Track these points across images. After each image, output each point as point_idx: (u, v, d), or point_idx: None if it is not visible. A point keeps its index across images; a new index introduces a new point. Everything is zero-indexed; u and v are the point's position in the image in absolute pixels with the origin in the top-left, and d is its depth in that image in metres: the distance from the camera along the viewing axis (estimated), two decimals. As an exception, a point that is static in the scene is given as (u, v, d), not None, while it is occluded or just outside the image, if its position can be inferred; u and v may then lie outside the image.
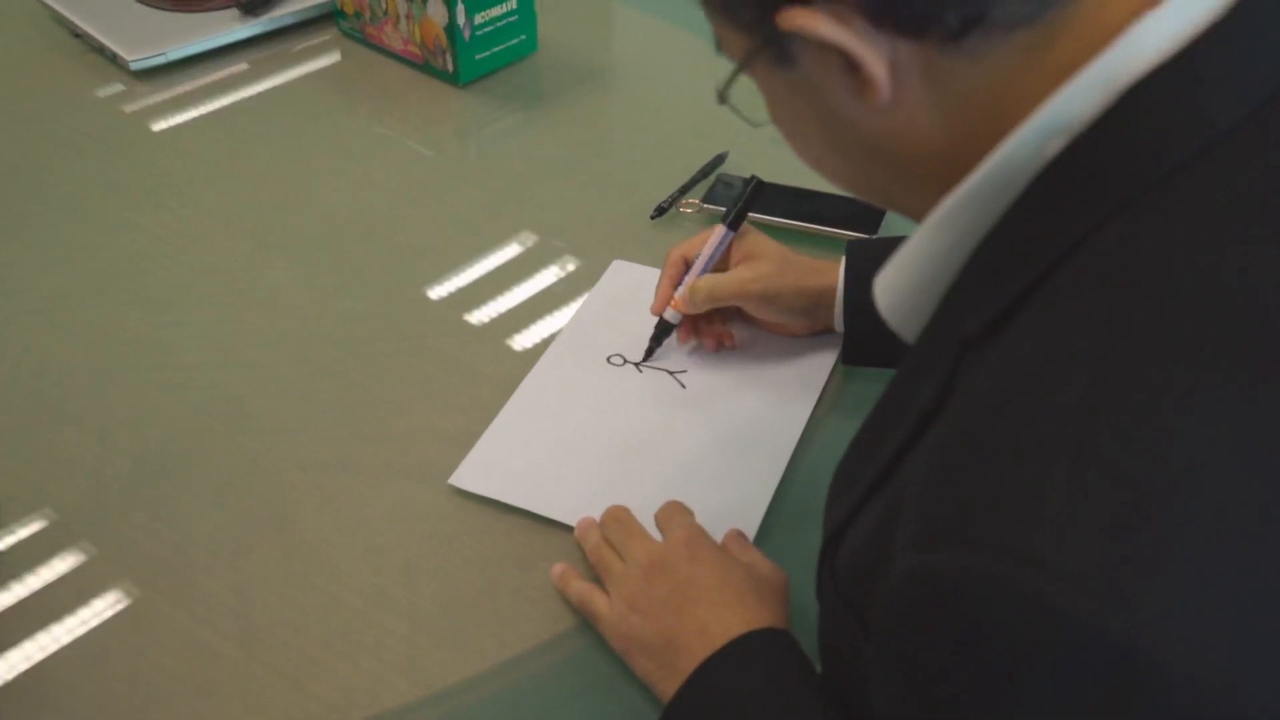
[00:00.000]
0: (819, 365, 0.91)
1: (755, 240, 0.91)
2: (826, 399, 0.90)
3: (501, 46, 1.28)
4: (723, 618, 0.67)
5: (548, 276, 1.02)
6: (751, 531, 0.78)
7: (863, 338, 0.88)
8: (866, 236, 1.03)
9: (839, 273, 0.88)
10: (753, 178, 0.92)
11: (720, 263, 0.92)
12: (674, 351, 0.93)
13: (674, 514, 0.75)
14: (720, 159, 1.14)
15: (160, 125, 1.23)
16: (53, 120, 1.23)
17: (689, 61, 1.33)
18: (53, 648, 0.72)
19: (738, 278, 0.89)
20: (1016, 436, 0.40)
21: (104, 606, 0.75)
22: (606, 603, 0.72)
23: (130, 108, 1.26)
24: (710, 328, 0.93)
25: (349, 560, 0.78)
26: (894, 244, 0.91)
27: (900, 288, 0.54)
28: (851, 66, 0.47)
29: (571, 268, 1.03)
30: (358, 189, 1.13)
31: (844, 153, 0.53)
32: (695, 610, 0.68)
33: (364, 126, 1.25)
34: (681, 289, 0.91)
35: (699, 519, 0.78)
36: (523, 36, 1.30)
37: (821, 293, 0.89)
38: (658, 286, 0.93)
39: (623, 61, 1.36)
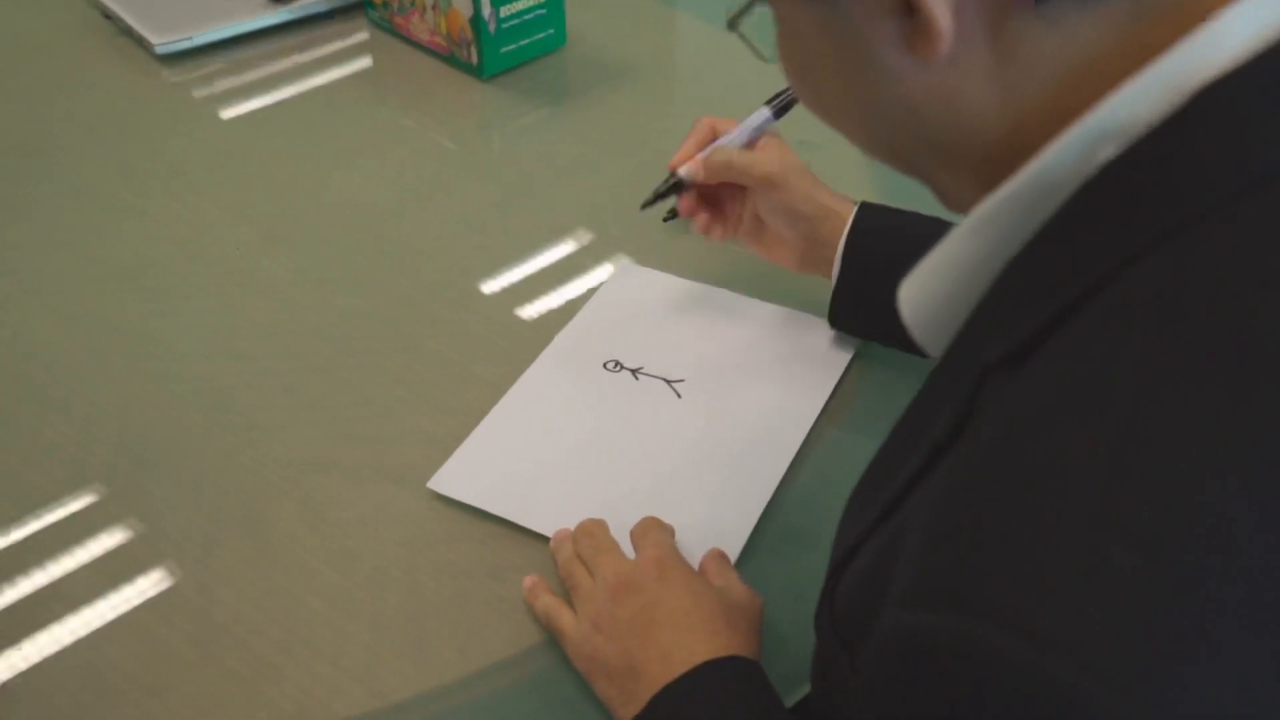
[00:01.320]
0: (823, 380, 0.87)
1: (780, 143, 0.89)
2: (830, 415, 0.86)
3: (528, 40, 1.26)
4: (687, 643, 0.64)
5: (553, 278, 0.99)
6: (734, 552, 0.75)
7: (850, 290, 0.85)
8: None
9: (850, 208, 0.85)
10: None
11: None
12: (673, 362, 0.90)
13: (649, 531, 0.72)
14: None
15: (179, 111, 1.22)
16: (73, 101, 1.23)
17: (720, 61, 1.30)
18: (7, 639, 0.71)
19: (755, 156, 0.86)
20: (1031, 487, 0.36)
21: (63, 597, 0.73)
22: (572, 620, 0.69)
23: (151, 92, 1.25)
24: (707, 213, 0.90)
25: (318, 562, 0.75)
26: (905, 217, 0.88)
27: (928, 296, 0.49)
28: (907, 9, 0.41)
29: (578, 270, 1.00)
30: (369, 182, 1.11)
31: (869, 110, 0.47)
32: (659, 634, 0.65)
33: (383, 118, 1.23)
34: (700, 156, 0.88)
35: (681, 537, 0.75)
36: (550, 31, 1.28)
37: (828, 211, 0.85)
38: (682, 143, 0.90)
39: (653, 59, 1.32)
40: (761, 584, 0.72)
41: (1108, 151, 0.40)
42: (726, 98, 1.27)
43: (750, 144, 0.89)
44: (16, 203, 1.08)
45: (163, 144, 1.17)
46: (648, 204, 0.90)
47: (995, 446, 0.39)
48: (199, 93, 1.25)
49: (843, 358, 0.89)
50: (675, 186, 0.89)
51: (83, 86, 1.25)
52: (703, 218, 0.90)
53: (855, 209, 0.85)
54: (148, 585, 0.74)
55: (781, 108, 0.89)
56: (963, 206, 0.48)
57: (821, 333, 0.91)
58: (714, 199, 0.90)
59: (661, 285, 0.97)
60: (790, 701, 0.67)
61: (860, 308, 0.86)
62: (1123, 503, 0.34)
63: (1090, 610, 0.33)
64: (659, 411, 0.85)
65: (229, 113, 1.22)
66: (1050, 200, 0.42)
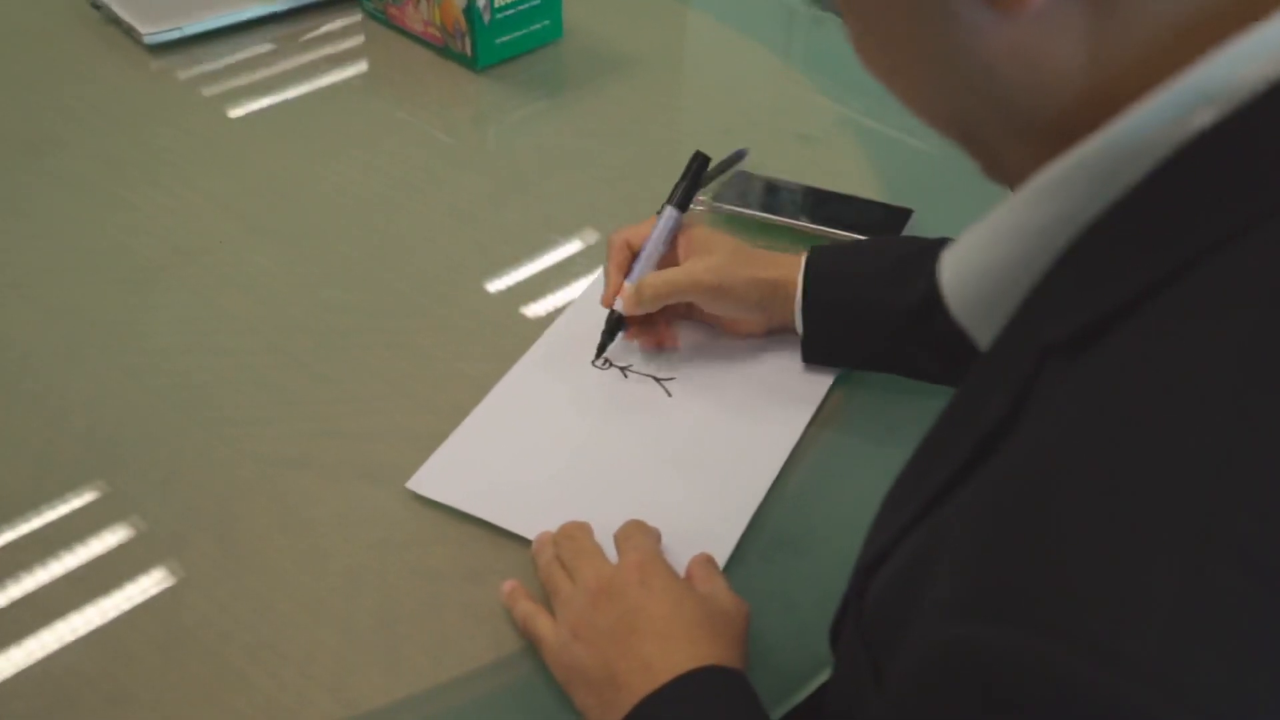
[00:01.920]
0: (818, 381, 0.84)
1: (702, 233, 0.86)
2: (825, 417, 0.83)
3: (523, 32, 1.23)
4: (668, 652, 0.61)
5: (544, 273, 0.96)
6: (722, 558, 0.72)
7: (820, 337, 0.82)
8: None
9: (797, 265, 0.82)
10: (697, 154, 0.87)
11: (669, 257, 0.86)
12: (664, 357, 0.87)
13: (632, 534, 0.69)
14: (739, 156, 1.07)
15: (168, 102, 1.20)
16: (60, 91, 1.20)
17: (719, 54, 1.27)
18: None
19: (688, 270, 0.83)
20: (1118, 490, 0.32)
21: (23, 598, 0.70)
22: (551, 627, 0.66)
23: (139, 82, 1.23)
24: (648, 330, 0.87)
25: (289, 564, 0.73)
26: (856, 247, 0.85)
27: (976, 269, 0.43)
28: None
29: (570, 265, 0.97)
30: (360, 174, 1.09)
31: (939, 68, 0.42)
32: (640, 642, 0.62)
33: (376, 110, 1.20)
34: (628, 283, 0.84)
35: (668, 540, 0.72)
36: (546, 22, 1.25)
37: (777, 284, 0.82)
38: (606, 275, 0.86)
39: (651, 52, 1.29)
40: (750, 591, 0.69)
41: (1206, 116, 0.36)
42: (725, 90, 1.24)
43: (670, 250, 0.86)
44: (1, 192, 1.06)
45: (150, 135, 1.14)
46: (600, 356, 0.86)
47: (1065, 439, 0.34)
48: (188, 83, 1.23)
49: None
50: (617, 323, 0.86)
51: (69, 76, 1.23)
52: (643, 340, 0.86)
53: (803, 263, 0.81)
54: (111, 587, 0.71)
55: (684, 200, 0.86)
56: (1019, 178, 0.42)
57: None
58: (660, 311, 0.86)
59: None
60: (776, 715, 0.65)
61: (832, 349, 0.83)
62: (1233, 516, 0.30)
63: (1189, 639, 0.29)
64: (648, 410, 0.82)
65: (218, 104, 1.20)
66: (1132, 167, 0.37)
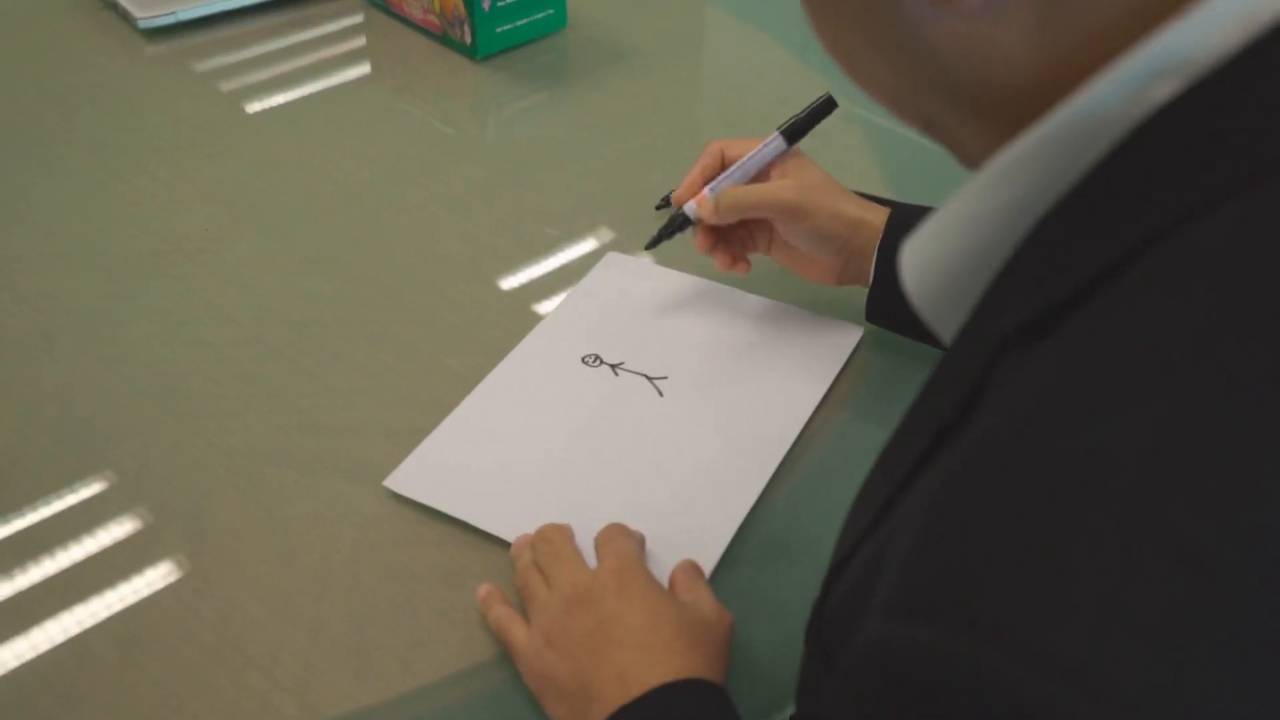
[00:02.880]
0: (816, 382, 0.81)
1: (800, 161, 0.82)
2: (822, 419, 0.79)
3: (525, 20, 1.20)
4: (645, 664, 0.57)
5: (535, 266, 0.93)
6: (709, 564, 0.68)
7: (887, 292, 0.79)
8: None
9: (884, 214, 0.79)
10: (827, 95, 0.83)
11: (760, 177, 0.83)
12: (657, 356, 0.83)
13: (612, 539, 0.66)
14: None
15: (159, 87, 1.17)
16: (49, 76, 1.18)
17: (726, 46, 1.24)
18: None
19: (770, 187, 0.80)
20: (1049, 481, 0.30)
21: (-17, 595, 0.68)
22: (526, 634, 0.63)
23: (132, 67, 1.20)
24: (725, 246, 0.84)
25: (260, 562, 0.70)
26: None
27: (936, 262, 0.41)
28: None
29: (563, 258, 0.94)
30: (351, 163, 1.06)
31: (890, 55, 0.40)
32: (615, 653, 0.58)
33: (372, 98, 1.17)
34: (708, 190, 0.82)
35: (653, 546, 0.69)
36: (550, 11, 1.22)
37: (860, 224, 0.79)
38: (689, 174, 0.84)
39: (656, 43, 1.26)
40: (738, 600, 0.65)
41: (1165, 89, 0.34)
42: (733, 83, 1.21)
43: (763, 170, 0.83)
44: (-20, 177, 1.03)
45: (139, 120, 1.11)
46: (653, 244, 0.85)
47: (1004, 431, 0.33)
48: (182, 69, 1.20)
49: (839, 357, 0.83)
50: (681, 224, 0.83)
51: (60, 60, 1.21)
52: (722, 256, 0.84)
53: (888, 214, 0.79)
54: (71, 581, 0.68)
55: (794, 132, 0.82)
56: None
57: (818, 331, 0.85)
58: (735, 229, 0.84)
59: (649, 277, 0.91)
60: (762, 730, 0.61)
61: (898, 306, 0.80)
62: (1168, 505, 0.28)
63: (1113, 634, 0.27)
64: (638, 410, 0.79)
65: (211, 90, 1.17)
66: (1091, 146, 0.35)
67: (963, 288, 0.40)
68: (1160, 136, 0.34)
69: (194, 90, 1.17)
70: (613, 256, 0.93)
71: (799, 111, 0.83)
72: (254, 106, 1.15)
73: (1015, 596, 0.29)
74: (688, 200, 0.83)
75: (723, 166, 0.84)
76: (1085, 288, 0.34)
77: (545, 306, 0.88)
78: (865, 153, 1.06)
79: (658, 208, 0.98)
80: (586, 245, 0.96)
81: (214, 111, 1.14)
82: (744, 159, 0.82)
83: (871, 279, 0.80)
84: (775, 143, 0.82)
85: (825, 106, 0.83)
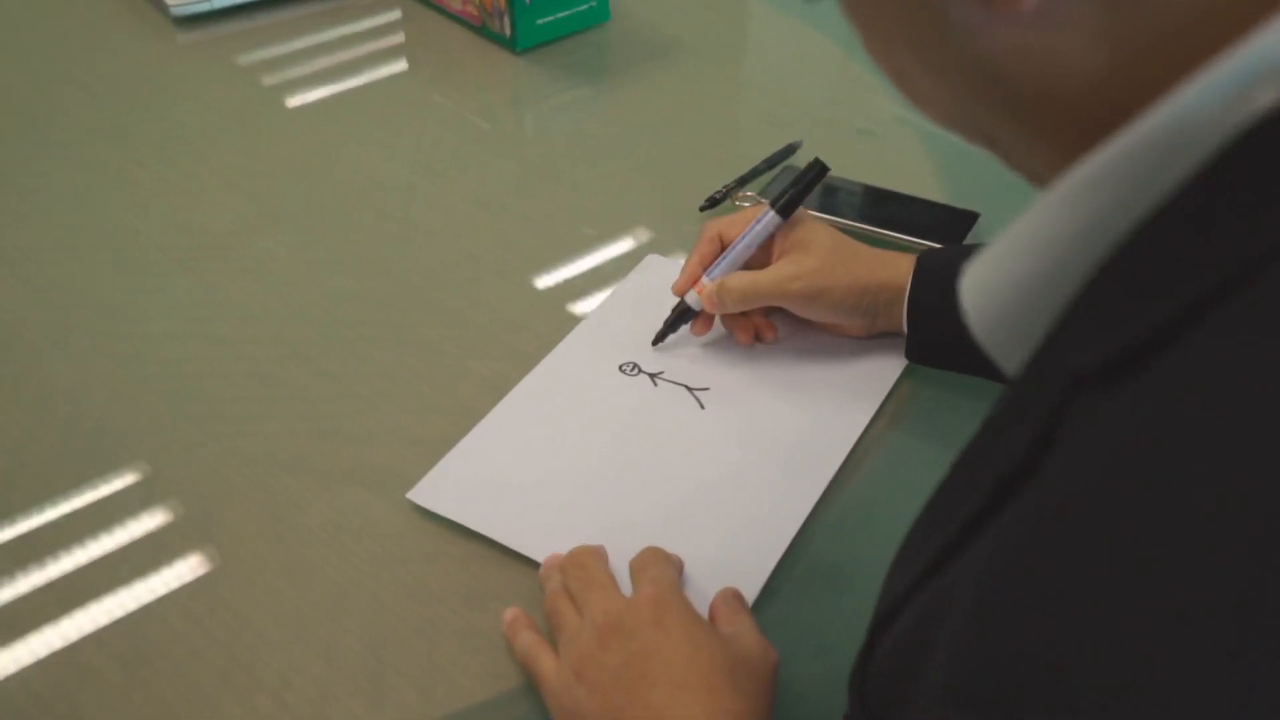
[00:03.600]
0: (868, 396, 0.76)
1: (804, 228, 0.77)
2: (875, 436, 0.74)
3: (567, 13, 1.16)
4: (682, 703, 0.53)
5: (570, 267, 0.89)
6: (752, 592, 0.64)
7: (928, 341, 0.75)
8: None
9: (906, 266, 0.74)
10: (816, 161, 0.78)
11: (762, 251, 0.78)
12: (699, 363, 0.79)
13: (649, 564, 0.61)
14: (790, 149, 0.99)
15: (189, 76, 1.14)
16: (77, 62, 1.15)
17: (773, 42, 1.19)
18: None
19: (776, 276, 0.75)
20: (1135, 563, 0.26)
21: (-19, 605, 0.64)
22: (554, 665, 0.58)
23: (163, 56, 1.17)
24: (744, 320, 0.79)
25: (272, 576, 0.66)
26: (970, 250, 0.78)
27: (1000, 288, 0.37)
28: None
29: (600, 260, 0.90)
30: (383, 158, 1.02)
31: (940, 71, 0.37)
32: (650, 690, 0.54)
33: (407, 91, 1.13)
34: (710, 278, 0.77)
35: (691, 570, 0.64)
36: (592, 3, 1.18)
37: (880, 288, 0.75)
38: (687, 261, 0.79)
39: (700, 38, 1.21)
40: (783, 632, 0.61)
41: (1269, 94, 0.29)
42: (778, 79, 1.16)
43: (766, 244, 0.78)
44: (3, 165, 1.00)
45: (168, 110, 1.08)
46: (660, 339, 0.80)
47: (1086, 489, 0.28)
48: (213, 59, 1.17)
49: (893, 370, 0.78)
50: (686, 314, 0.79)
51: (90, 47, 1.17)
52: (741, 333, 0.79)
53: (914, 267, 0.74)
54: (76, 597, 0.65)
55: (788, 205, 0.77)
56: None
57: (867, 344, 0.80)
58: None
59: (691, 281, 0.86)
60: (807, 778, 0.57)
61: (937, 349, 0.76)
62: None
63: None
64: (678, 423, 0.74)
65: (243, 81, 1.14)
66: (1179, 160, 0.31)
67: (1029, 317, 0.36)
68: (1264, 148, 0.29)
69: (225, 80, 1.14)
70: (653, 259, 0.89)
71: (789, 181, 0.78)
72: (285, 97, 1.11)
73: (1093, 699, 0.25)
74: (687, 290, 0.78)
75: (722, 248, 0.79)
76: (1178, 322, 0.29)
77: (580, 310, 0.84)
78: (917, 155, 1.01)
79: (702, 209, 0.93)
80: (625, 246, 0.91)
81: (244, 102, 1.10)
82: (738, 241, 0.78)
83: (906, 330, 0.76)
84: (769, 220, 0.77)
85: (818, 175, 0.78)
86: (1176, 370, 0.29)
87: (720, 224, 0.79)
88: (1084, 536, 0.27)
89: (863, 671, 0.41)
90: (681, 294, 0.79)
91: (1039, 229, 0.35)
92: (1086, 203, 0.33)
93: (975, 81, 0.36)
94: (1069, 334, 0.34)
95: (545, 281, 0.87)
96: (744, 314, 0.79)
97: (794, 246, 0.76)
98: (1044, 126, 0.36)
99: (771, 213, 0.77)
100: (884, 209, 0.93)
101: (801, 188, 0.77)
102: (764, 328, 0.79)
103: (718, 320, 0.80)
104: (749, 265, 0.78)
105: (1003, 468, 0.33)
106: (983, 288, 0.37)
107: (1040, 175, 0.38)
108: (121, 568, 0.66)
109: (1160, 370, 0.29)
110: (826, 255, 0.76)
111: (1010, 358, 0.38)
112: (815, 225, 0.78)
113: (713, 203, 0.93)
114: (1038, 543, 0.29)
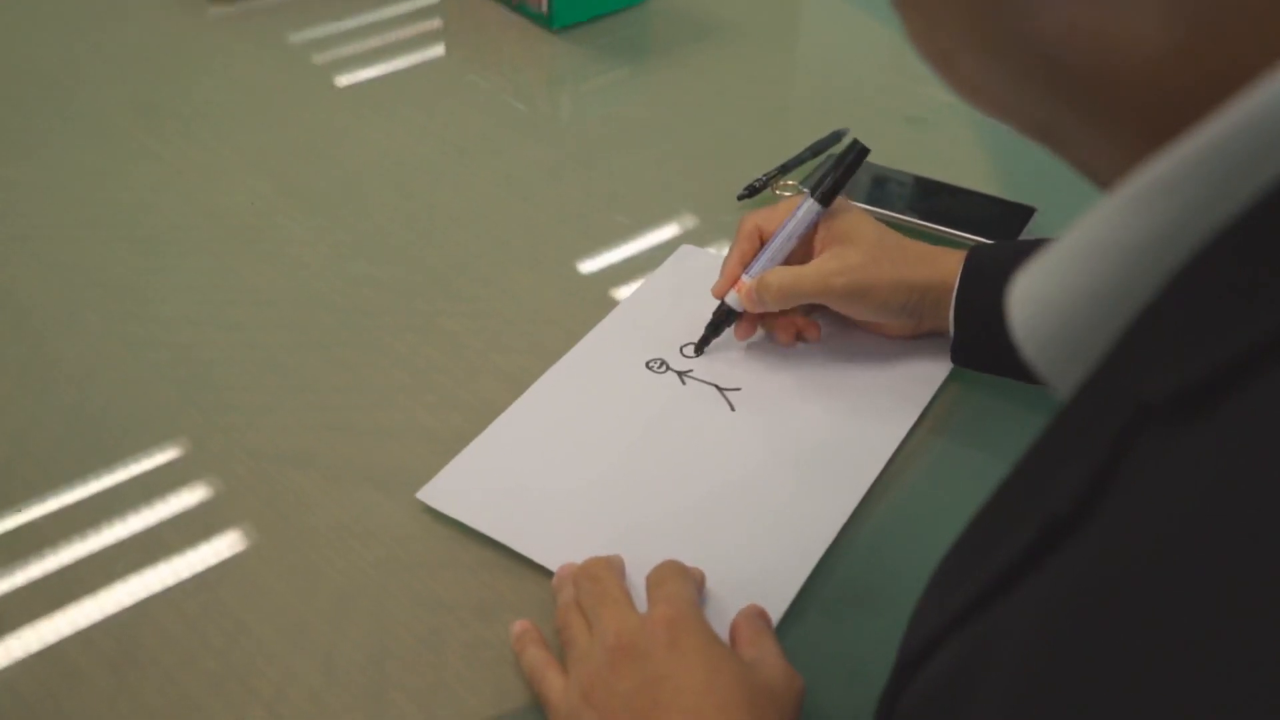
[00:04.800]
0: (909, 402, 0.72)
1: (848, 220, 0.73)
2: (916, 445, 0.70)
3: (606, -10, 1.12)
4: (698, 735, 0.49)
5: (600, 257, 0.85)
6: (778, 611, 0.59)
7: (977, 344, 0.70)
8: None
9: (954, 263, 0.70)
10: (855, 143, 0.73)
11: (804, 244, 0.74)
12: (731, 361, 0.75)
13: (666, 579, 0.57)
14: (835, 137, 0.94)
15: (217, 49, 1.11)
16: (104, 32, 1.12)
17: (822, 24, 1.14)
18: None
19: (818, 271, 0.71)
20: (1228, 628, 0.22)
21: (-30, 600, 0.62)
22: (562, 686, 0.54)
23: (192, 27, 1.14)
24: (785, 319, 0.75)
25: (274, 579, 0.62)
26: (1020, 246, 0.73)
27: (1056, 303, 0.32)
28: None
29: (631, 249, 0.86)
30: (412, 138, 0.98)
31: (991, 54, 0.33)
32: (663, 719, 0.50)
33: (438, 69, 1.10)
34: (749, 275, 0.73)
35: (714, 586, 0.60)
36: (633, -19, 1.14)
37: (927, 287, 0.70)
38: (724, 262, 0.75)
39: (746, 19, 1.17)
40: (810, 656, 0.57)
41: None
42: (828, 64, 1.12)
43: (808, 237, 0.74)
44: (24, 137, 0.98)
45: (193, 83, 1.05)
46: (701, 347, 0.75)
47: (1162, 542, 0.24)
48: (242, 32, 1.14)
49: (938, 374, 0.73)
50: (728, 317, 0.75)
51: (118, 17, 1.15)
52: (783, 332, 0.75)
53: (963, 262, 0.70)
54: (68, 593, 0.62)
55: (829, 193, 0.73)
56: (1116, 181, 0.32)
57: (909, 349, 0.75)
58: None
59: (726, 274, 0.82)
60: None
61: (984, 352, 0.71)
62: None
63: None
64: (705, 425, 0.70)
65: (271, 54, 1.10)
66: (1269, 160, 0.26)
67: (1088, 335, 0.31)
68: None
69: (253, 56, 1.11)
70: (687, 249, 0.84)
71: (828, 166, 0.73)
72: (314, 74, 1.08)
73: None
74: (728, 291, 0.74)
75: (761, 243, 0.74)
76: (1269, 348, 0.25)
77: (609, 303, 0.80)
78: (970, 144, 0.96)
79: (740, 198, 0.89)
80: (659, 236, 0.87)
81: (272, 79, 1.07)
82: (779, 234, 0.73)
83: (952, 332, 0.71)
84: (809, 208, 0.73)
85: (858, 157, 0.73)
86: (1270, 405, 0.24)
87: (758, 217, 0.75)
88: (1159, 598, 0.23)
89: (888, 715, 0.37)
90: (722, 296, 0.74)
91: (1102, 235, 0.30)
92: (1159, 206, 0.29)
93: (1027, 63, 0.32)
94: (1134, 356, 0.30)
95: (575, 272, 0.84)
96: (784, 312, 0.75)
97: (837, 240, 0.72)
98: (1102, 114, 0.31)
99: (811, 201, 0.73)
100: (933, 202, 0.88)
101: (841, 172, 0.73)
102: (806, 326, 0.75)
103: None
104: (790, 261, 0.74)
105: (1056, 506, 0.29)
106: (1035, 300, 0.33)
107: (1099, 170, 0.34)
108: (116, 564, 0.63)
109: (1249, 403, 0.25)
110: (871, 249, 0.71)
111: (1064, 379, 0.33)
112: (859, 217, 0.73)
113: (752, 191, 0.89)
114: (1103, 603, 0.25)
